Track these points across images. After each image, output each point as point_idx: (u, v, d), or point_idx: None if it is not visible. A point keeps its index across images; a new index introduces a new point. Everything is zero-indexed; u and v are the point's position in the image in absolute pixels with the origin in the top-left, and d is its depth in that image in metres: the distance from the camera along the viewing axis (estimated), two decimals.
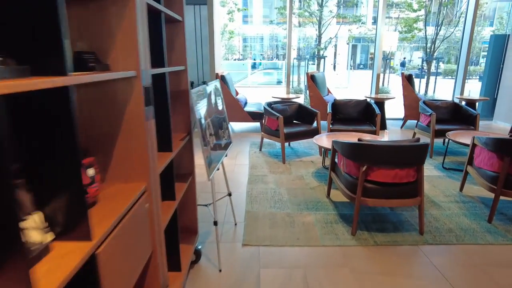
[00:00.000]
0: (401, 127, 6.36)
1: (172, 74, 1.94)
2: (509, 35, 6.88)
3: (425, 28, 9.79)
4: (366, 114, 4.77)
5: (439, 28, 9.37)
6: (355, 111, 4.80)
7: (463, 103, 6.88)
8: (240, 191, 3.36)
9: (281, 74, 17.68)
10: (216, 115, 2.25)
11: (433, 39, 9.53)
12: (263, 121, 4.64)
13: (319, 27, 10.75)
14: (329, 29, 12.11)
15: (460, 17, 12.99)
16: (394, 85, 14.85)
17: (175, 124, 1.98)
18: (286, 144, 5.03)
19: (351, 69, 27.70)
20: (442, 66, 21.68)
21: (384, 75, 14.87)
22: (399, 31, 11.97)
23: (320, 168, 4.02)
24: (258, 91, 14.77)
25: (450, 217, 2.83)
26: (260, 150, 4.78)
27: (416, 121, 6.55)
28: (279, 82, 17.29)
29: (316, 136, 3.75)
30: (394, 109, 8.39)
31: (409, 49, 30.97)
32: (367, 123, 4.58)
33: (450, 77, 22.93)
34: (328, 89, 6.90)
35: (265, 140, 5.16)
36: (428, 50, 9.88)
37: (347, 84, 15.99)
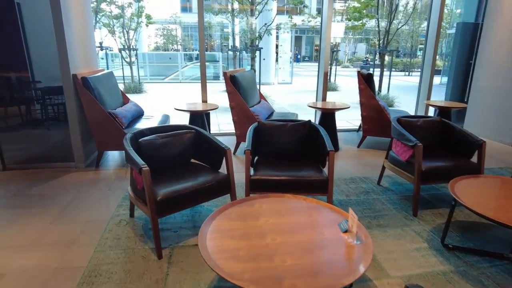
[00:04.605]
0: (358, 146, 4.65)
1: None
2: (482, 23, 5.48)
3: (378, 14, 8.30)
4: (311, 143, 2.89)
5: (393, 15, 7.90)
6: (292, 140, 2.89)
7: (432, 110, 5.39)
8: None
9: (218, 68, 15.54)
10: None
11: (386, 28, 8.05)
12: (130, 170, 2.56)
13: (252, 12, 8.78)
14: (267, 16, 10.25)
15: (405, 8, 11.87)
16: (342, 80, 13.50)
17: None
18: None
19: (296, 62, 26.28)
20: (386, 58, 21.04)
21: (330, 69, 13.46)
22: (346, 18, 10.46)
23: None
24: (188, 88, 12.49)
25: None
26: (132, 215, 2.69)
27: (375, 137, 4.88)
28: (215, 77, 15.16)
29: (202, 230, 1.75)
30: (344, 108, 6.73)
31: (353, 41, 30.43)
32: (312, 164, 2.68)
33: (393, 69, 22.56)
34: (260, 93, 4.95)
35: None
36: (380, 41, 8.41)
37: (291, 79, 14.33)
